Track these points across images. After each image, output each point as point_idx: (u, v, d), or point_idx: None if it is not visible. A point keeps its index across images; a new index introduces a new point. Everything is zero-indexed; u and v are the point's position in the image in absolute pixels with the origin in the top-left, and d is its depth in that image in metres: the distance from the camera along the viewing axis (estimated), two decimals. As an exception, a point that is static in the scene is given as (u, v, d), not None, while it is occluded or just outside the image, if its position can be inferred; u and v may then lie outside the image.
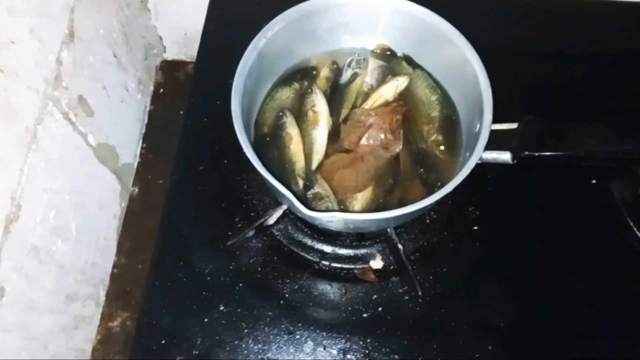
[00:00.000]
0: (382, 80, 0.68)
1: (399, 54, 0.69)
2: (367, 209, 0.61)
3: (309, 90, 0.65)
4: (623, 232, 0.67)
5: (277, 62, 0.66)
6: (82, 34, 0.86)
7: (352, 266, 0.67)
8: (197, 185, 0.71)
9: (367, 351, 0.62)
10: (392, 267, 0.67)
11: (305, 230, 0.68)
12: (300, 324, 0.64)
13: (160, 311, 0.64)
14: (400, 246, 0.63)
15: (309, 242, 0.68)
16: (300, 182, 0.61)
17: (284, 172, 0.62)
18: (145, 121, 1.20)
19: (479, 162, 0.52)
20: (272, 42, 0.61)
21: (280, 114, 0.65)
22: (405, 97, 0.67)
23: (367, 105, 0.66)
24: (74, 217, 0.87)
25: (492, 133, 0.53)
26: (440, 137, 0.63)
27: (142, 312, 0.65)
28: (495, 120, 0.54)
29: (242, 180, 0.71)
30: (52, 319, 0.86)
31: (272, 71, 0.67)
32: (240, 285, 0.65)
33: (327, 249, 0.67)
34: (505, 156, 0.53)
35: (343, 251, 0.67)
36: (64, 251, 0.85)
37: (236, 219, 0.69)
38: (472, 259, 0.68)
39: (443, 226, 0.69)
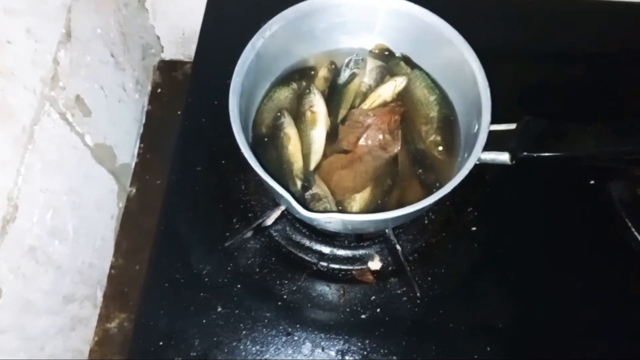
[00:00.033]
0: (380, 81, 0.68)
1: (397, 54, 0.69)
2: (366, 210, 0.60)
3: (307, 91, 0.65)
4: (621, 232, 0.67)
5: (275, 62, 0.66)
6: (79, 33, 0.85)
7: (351, 267, 0.67)
8: (195, 186, 0.71)
9: (365, 352, 0.62)
10: (390, 268, 0.66)
11: (304, 231, 0.68)
12: (298, 325, 0.63)
13: (158, 312, 0.64)
14: (398, 247, 0.63)
15: (307, 243, 0.68)
16: (299, 183, 0.61)
17: (282, 173, 0.62)
18: (143, 121, 1.20)
19: (478, 162, 0.52)
20: (270, 42, 0.60)
21: (278, 114, 0.65)
22: (403, 97, 0.66)
23: (366, 105, 0.65)
24: (71, 218, 0.87)
25: (491, 133, 0.53)
26: (438, 138, 0.63)
27: (139, 313, 0.65)
28: (494, 120, 0.54)
29: (240, 180, 0.71)
30: (49, 320, 0.85)
31: (270, 71, 0.67)
32: (238, 286, 0.65)
33: (326, 249, 0.67)
34: (503, 157, 0.53)
35: (341, 252, 0.67)
36: (61, 252, 0.85)
37: (234, 220, 0.69)
38: (470, 259, 0.67)
39: (441, 227, 0.69)
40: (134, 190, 1.14)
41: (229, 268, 0.66)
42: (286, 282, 0.66)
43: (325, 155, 0.63)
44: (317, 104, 0.64)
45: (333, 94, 0.67)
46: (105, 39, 0.97)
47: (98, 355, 1.01)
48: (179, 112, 0.77)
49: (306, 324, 0.64)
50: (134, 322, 0.65)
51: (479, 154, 0.52)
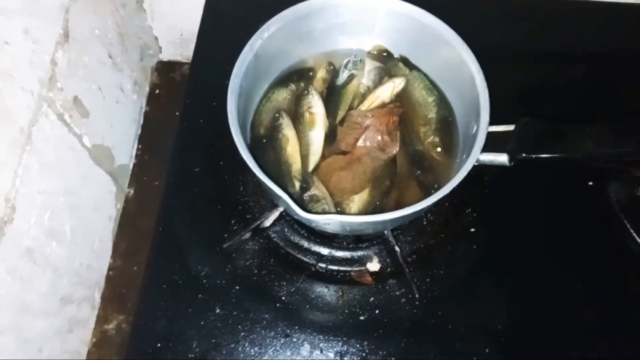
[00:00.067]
0: (378, 82, 0.67)
1: (396, 55, 0.68)
2: (364, 211, 0.60)
3: (306, 92, 0.65)
4: (620, 233, 0.67)
5: (273, 63, 0.66)
6: (77, 34, 0.85)
7: (349, 268, 0.66)
8: (193, 187, 0.71)
9: (364, 354, 0.62)
10: (389, 270, 0.66)
11: (302, 232, 0.68)
12: (296, 327, 0.63)
13: (156, 314, 0.63)
14: (397, 248, 0.63)
15: (305, 244, 0.68)
16: (297, 184, 0.61)
17: (280, 174, 0.62)
18: (141, 122, 1.20)
19: (476, 164, 0.52)
20: (268, 43, 0.60)
21: (277, 115, 0.65)
22: (402, 98, 0.66)
23: (364, 106, 0.65)
24: (68, 219, 0.87)
25: (489, 135, 0.53)
26: (437, 139, 0.63)
27: (137, 315, 0.64)
28: (493, 120, 0.54)
29: (238, 182, 0.71)
30: (47, 322, 0.85)
31: (268, 72, 0.66)
32: (237, 287, 0.65)
33: (324, 251, 0.67)
34: (502, 158, 0.53)
35: (340, 253, 0.67)
36: (58, 253, 0.85)
37: (232, 221, 0.68)
38: (469, 261, 0.67)
39: (440, 228, 0.69)
40: (132, 192, 1.14)
41: (227, 269, 0.66)
42: (285, 283, 0.65)
43: (323, 157, 0.63)
44: (315, 105, 0.64)
45: (331, 95, 0.67)
46: (103, 39, 0.97)
47: (96, 357, 1.01)
48: (177, 113, 0.77)
49: (305, 325, 0.63)
50: (132, 323, 0.65)
51: (477, 155, 0.52)
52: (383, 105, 0.65)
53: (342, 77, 0.67)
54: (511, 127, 0.55)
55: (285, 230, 0.68)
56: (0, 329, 0.73)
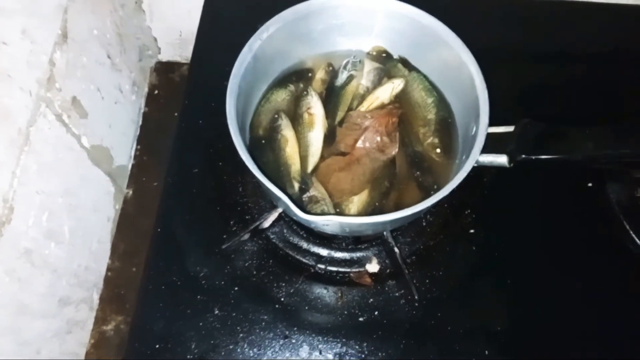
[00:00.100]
0: (377, 83, 0.67)
1: (395, 56, 0.68)
2: (363, 212, 0.60)
3: (305, 93, 0.65)
4: (619, 234, 0.67)
5: (272, 64, 0.66)
6: (75, 34, 0.85)
7: (348, 270, 0.66)
8: (192, 188, 0.71)
9: (363, 355, 0.62)
10: (388, 271, 0.66)
11: (301, 233, 0.68)
12: (295, 328, 0.63)
13: (155, 315, 0.63)
14: (396, 249, 0.63)
15: (304, 245, 0.67)
16: (296, 185, 0.61)
17: (279, 175, 0.61)
18: (140, 123, 1.19)
19: (476, 165, 0.52)
20: (268, 44, 0.60)
21: (276, 116, 0.65)
22: (401, 99, 0.66)
23: (363, 107, 0.65)
24: (67, 220, 0.87)
25: (489, 136, 0.53)
26: (436, 140, 0.63)
27: (136, 316, 0.64)
28: (492, 122, 0.53)
29: (237, 182, 0.71)
30: (45, 323, 0.85)
31: (267, 73, 0.66)
32: (236, 289, 0.65)
33: (323, 252, 0.67)
34: (501, 159, 0.53)
35: (339, 254, 0.67)
36: (57, 254, 0.85)
37: (231, 222, 0.68)
38: (468, 262, 0.67)
39: (439, 229, 0.68)
40: (131, 192, 1.13)
41: (226, 271, 0.66)
42: (283, 284, 0.65)
43: (322, 158, 0.63)
44: (314, 106, 0.64)
45: (330, 96, 0.67)
46: (102, 40, 0.97)
47: (94, 358, 1.01)
48: (175, 114, 0.76)
49: (304, 326, 0.63)
50: (131, 324, 0.65)
51: (477, 157, 0.52)
52: (382, 106, 0.65)
53: (341, 78, 0.67)
54: (511, 128, 0.55)
55: (285, 231, 0.68)
56: (-2, 331, 0.73)
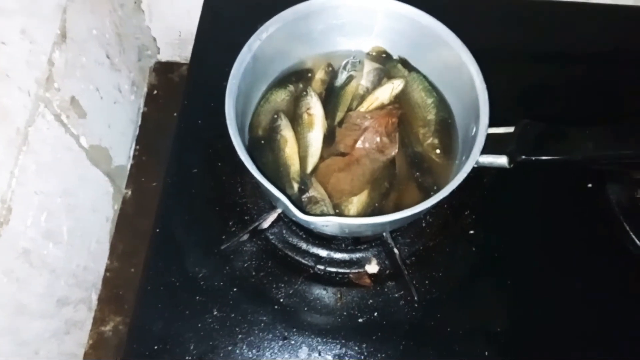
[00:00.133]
0: (377, 83, 0.67)
1: (395, 56, 0.68)
2: (363, 213, 0.60)
3: (304, 93, 0.65)
4: (619, 235, 0.67)
5: (271, 64, 0.66)
6: (74, 34, 0.85)
7: (348, 270, 0.66)
8: (191, 188, 0.71)
9: (362, 357, 0.62)
10: (387, 272, 0.66)
11: (300, 234, 0.68)
12: (294, 329, 0.63)
13: (153, 316, 0.63)
14: (396, 250, 0.63)
15: (303, 246, 0.67)
16: (295, 186, 0.61)
17: (278, 176, 0.61)
18: (139, 123, 1.19)
19: (476, 165, 0.52)
20: (267, 44, 0.60)
21: (275, 116, 0.64)
22: (401, 100, 0.66)
23: (363, 108, 0.65)
24: (65, 220, 0.86)
25: (489, 137, 0.52)
26: (436, 141, 0.63)
27: (134, 317, 0.64)
28: (492, 122, 0.53)
29: (236, 183, 0.71)
30: (43, 324, 0.85)
31: (266, 73, 0.66)
32: (234, 289, 0.65)
33: (322, 253, 0.67)
34: (501, 160, 0.53)
35: (338, 255, 0.67)
36: (55, 255, 0.84)
37: (230, 223, 0.68)
38: (468, 263, 0.67)
39: (439, 230, 0.68)
40: (130, 193, 1.13)
41: (225, 271, 0.65)
42: (283, 285, 0.65)
43: (322, 158, 0.63)
44: (314, 106, 0.64)
45: (330, 96, 0.66)
46: (101, 40, 0.97)
47: (92, 359, 1.01)
48: (175, 114, 0.76)
49: (303, 327, 0.63)
50: (129, 325, 0.64)
51: (476, 157, 0.52)
52: (382, 107, 0.65)
53: (341, 78, 0.67)
54: (511, 129, 0.54)
55: (284, 232, 0.68)
56: (-4, 331, 0.73)
